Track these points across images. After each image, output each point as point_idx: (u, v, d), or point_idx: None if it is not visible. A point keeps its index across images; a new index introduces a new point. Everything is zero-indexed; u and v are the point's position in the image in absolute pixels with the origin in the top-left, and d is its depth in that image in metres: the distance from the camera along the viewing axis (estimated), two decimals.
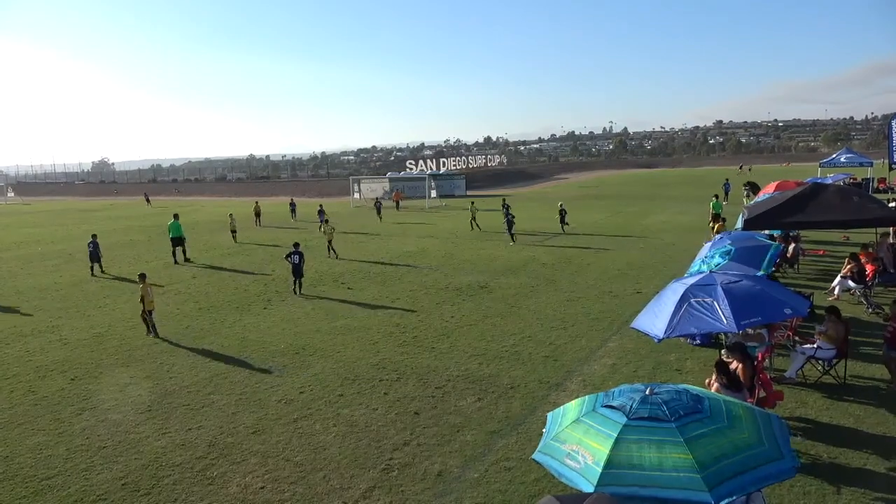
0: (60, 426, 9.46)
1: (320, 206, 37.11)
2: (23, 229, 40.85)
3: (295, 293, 17.96)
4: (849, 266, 14.65)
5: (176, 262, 24.24)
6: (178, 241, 24.79)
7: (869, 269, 15.15)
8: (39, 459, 8.43)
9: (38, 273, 23.16)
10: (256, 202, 40.86)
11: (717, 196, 27.53)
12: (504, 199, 31.79)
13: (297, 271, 18.12)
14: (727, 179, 37.91)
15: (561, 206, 30.57)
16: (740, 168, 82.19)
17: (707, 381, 8.50)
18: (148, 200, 64.24)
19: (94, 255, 22.76)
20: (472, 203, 33.50)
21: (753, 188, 28.10)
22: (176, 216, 25.47)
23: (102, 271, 22.87)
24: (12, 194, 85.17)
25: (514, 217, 27.48)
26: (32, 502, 7.44)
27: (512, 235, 26.71)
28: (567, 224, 29.53)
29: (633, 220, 33.29)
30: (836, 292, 14.69)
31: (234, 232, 30.74)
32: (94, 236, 23.28)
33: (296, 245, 18.96)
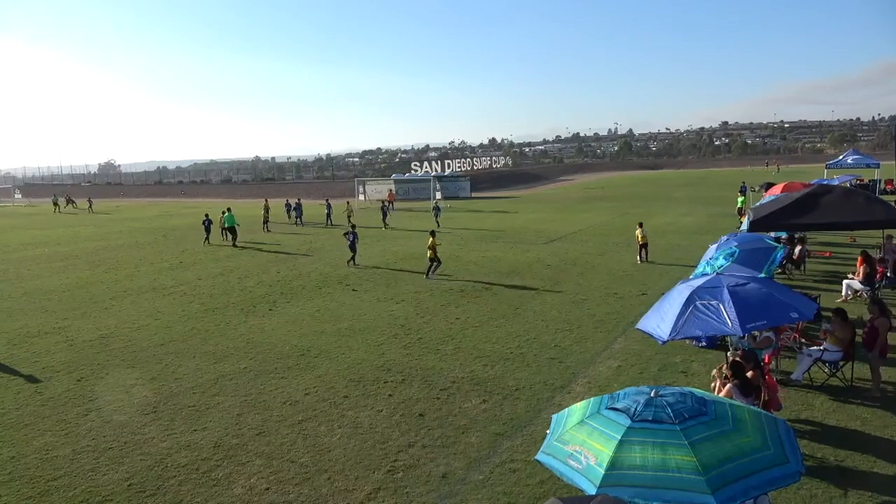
0: (66, 427, 9.50)
1: (296, 201, 40.88)
2: (29, 231, 41.06)
3: (348, 265, 22.21)
4: (862, 266, 14.58)
5: (235, 245, 28.89)
6: (231, 230, 29.69)
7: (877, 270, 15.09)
8: (46, 460, 8.47)
9: (45, 274, 23.28)
10: (287, 200, 44.18)
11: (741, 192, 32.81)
12: (383, 202, 38.56)
13: (352, 248, 22.37)
14: (744, 182, 38.38)
15: (435, 203, 37.77)
16: (767, 165, 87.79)
17: (713, 384, 8.49)
18: (69, 202, 60.78)
19: (207, 229, 30.11)
20: (348, 203, 38.93)
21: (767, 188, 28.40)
22: (229, 209, 30.93)
23: (209, 243, 29.54)
24: (19, 196, 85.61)
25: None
26: (39, 503, 7.47)
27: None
28: (439, 221, 33.87)
29: (638, 221, 33.15)
30: (843, 294, 14.62)
31: (266, 223, 35.25)
32: (206, 215, 30.92)
33: (353, 226, 23.40)
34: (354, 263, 22.29)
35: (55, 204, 59.45)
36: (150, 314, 16.49)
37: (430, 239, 20.06)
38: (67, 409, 10.22)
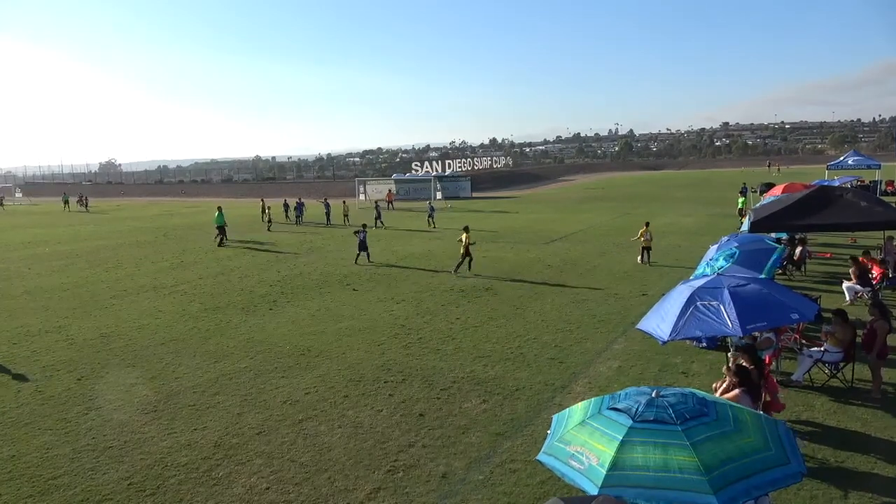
0: (67, 426, 9.50)
1: (297, 201, 40.69)
2: (31, 229, 41.08)
3: (370, 262, 22.58)
4: (853, 269, 14.59)
5: (220, 245, 29.03)
6: (220, 228, 29.63)
7: (876, 272, 15.09)
8: (45, 459, 8.47)
9: (46, 273, 23.29)
10: (285, 200, 44.12)
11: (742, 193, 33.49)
12: (376, 202, 39.40)
13: (363, 246, 22.61)
14: (744, 183, 38.54)
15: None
16: (769, 166, 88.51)
17: (714, 384, 8.48)
18: (80, 201, 58.67)
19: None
20: (344, 202, 40.11)
21: (767, 189, 28.27)
22: (220, 208, 30.60)
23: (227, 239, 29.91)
24: (20, 195, 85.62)
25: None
26: (38, 502, 7.47)
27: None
28: (432, 222, 34.42)
29: (638, 221, 33.16)
30: (847, 298, 14.56)
31: (269, 222, 35.59)
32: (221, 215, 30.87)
33: (364, 226, 23.79)
34: (356, 262, 22.57)
35: (66, 203, 59.08)
36: (151, 313, 16.49)
37: (465, 234, 20.19)
38: (68, 407, 10.22)
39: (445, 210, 45.55)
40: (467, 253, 19.88)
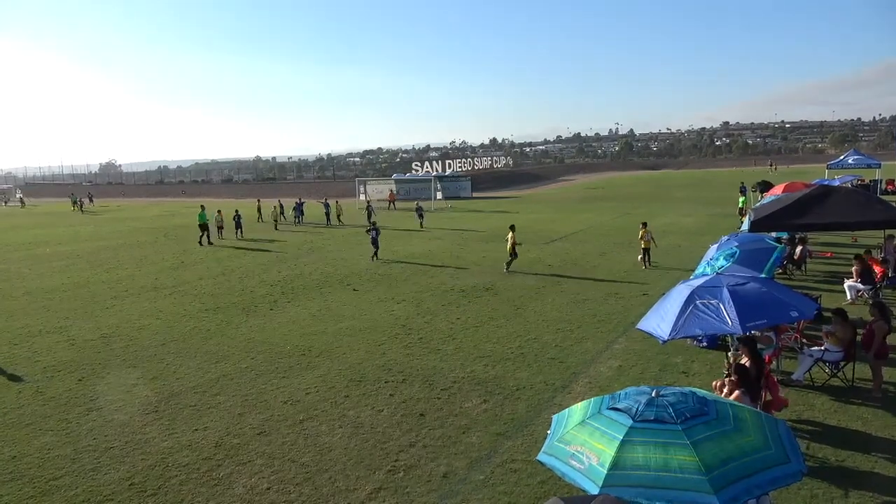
0: (68, 426, 9.51)
1: (297, 201, 41.79)
2: (31, 230, 41.09)
3: (372, 260, 23.27)
4: (855, 268, 14.58)
5: (201, 244, 29.70)
6: (203, 227, 30.34)
7: (877, 271, 15.07)
8: (47, 459, 8.48)
9: (47, 274, 23.30)
10: (279, 200, 44.02)
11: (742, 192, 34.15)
12: (369, 202, 39.11)
13: (374, 243, 23.51)
14: (742, 182, 38.54)
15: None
16: (770, 165, 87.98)
17: (714, 383, 8.49)
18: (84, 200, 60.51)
19: (238, 224, 32.54)
20: (337, 202, 40.09)
21: (765, 187, 28.15)
22: (203, 207, 32.24)
23: (242, 237, 32.17)
24: (20, 195, 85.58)
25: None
26: (40, 502, 7.48)
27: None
28: (422, 223, 34.39)
29: (638, 221, 33.13)
30: (849, 297, 14.55)
31: (276, 221, 37.15)
32: (236, 210, 33.56)
33: (373, 223, 25.12)
34: (377, 258, 23.37)
35: (74, 203, 59.50)
36: (152, 314, 16.50)
37: (510, 233, 20.49)
38: (69, 408, 10.23)
39: (446, 210, 45.56)
40: (514, 251, 20.24)
